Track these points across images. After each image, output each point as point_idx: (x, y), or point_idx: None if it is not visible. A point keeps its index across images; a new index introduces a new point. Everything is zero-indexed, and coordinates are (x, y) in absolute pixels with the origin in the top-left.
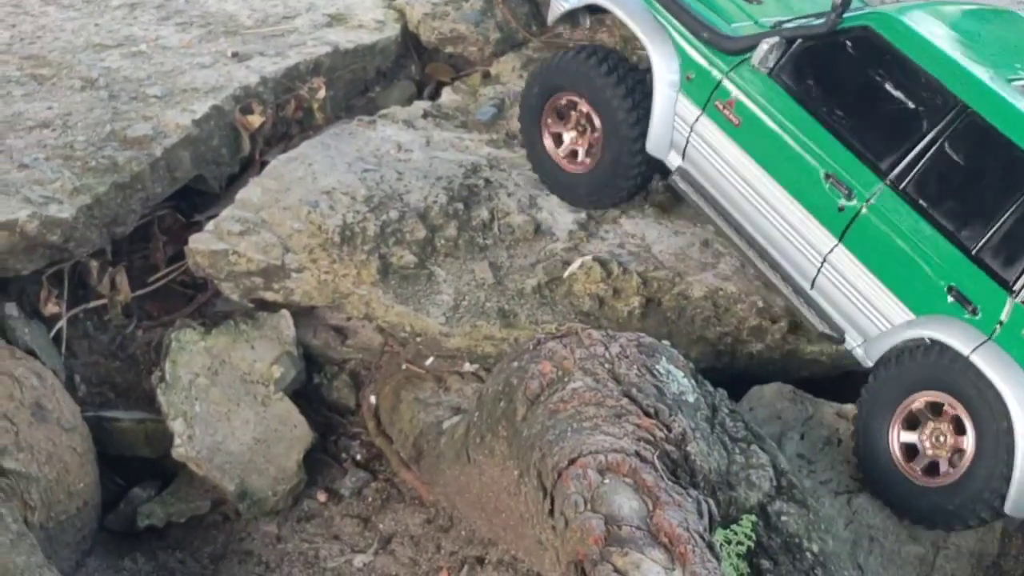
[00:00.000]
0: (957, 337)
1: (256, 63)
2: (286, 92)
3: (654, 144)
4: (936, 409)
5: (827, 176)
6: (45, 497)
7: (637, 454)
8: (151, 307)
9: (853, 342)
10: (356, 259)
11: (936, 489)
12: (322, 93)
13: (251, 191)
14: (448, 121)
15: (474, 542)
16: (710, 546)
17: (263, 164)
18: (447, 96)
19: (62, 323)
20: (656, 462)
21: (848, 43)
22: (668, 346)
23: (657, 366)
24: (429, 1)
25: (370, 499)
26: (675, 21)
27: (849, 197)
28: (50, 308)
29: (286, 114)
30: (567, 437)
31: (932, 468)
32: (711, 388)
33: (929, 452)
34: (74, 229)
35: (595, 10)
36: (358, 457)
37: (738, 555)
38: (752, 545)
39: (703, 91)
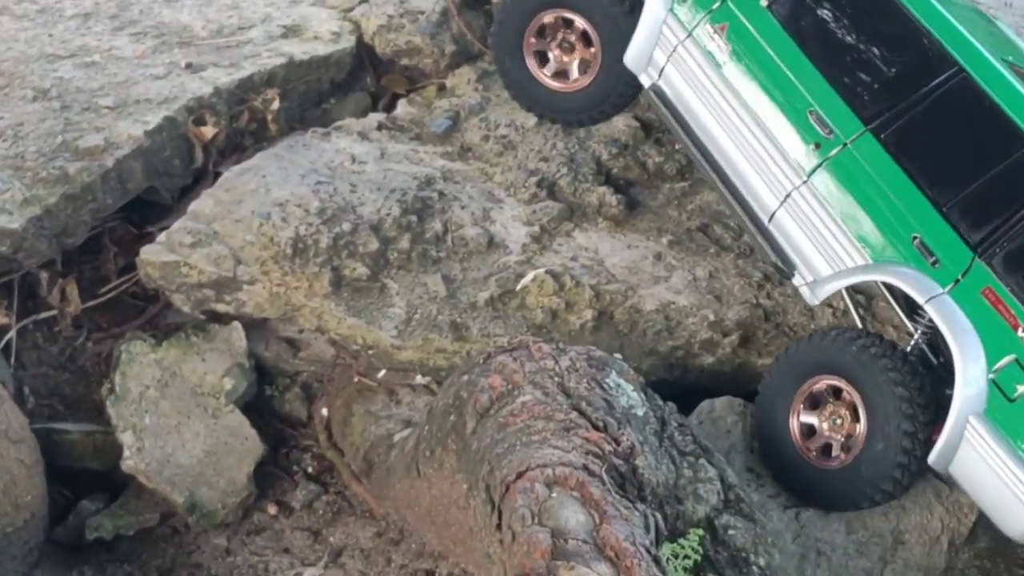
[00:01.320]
0: (913, 285)
1: (210, 74)
2: (240, 103)
3: (632, 58)
4: (837, 394)
5: (810, 113)
6: None
7: (585, 468)
8: (101, 318)
9: (802, 279)
10: (308, 271)
11: (833, 470)
12: (276, 104)
13: (203, 203)
14: (403, 133)
15: (424, 555)
16: (656, 560)
17: (216, 176)
18: (402, 108)
19: (11, 334)
20: (604, 476)
21: None
22: (618, 360)
23: (607, 380)
24: (384, 13)
25: (321, 512)
26: None
27: (828, 135)
28: None
29: (240, 125)
30: (516, 451)
31: (826, 450)
32: (660, 402)
33: (826, 434)
34: (23, 240)
35: None
36: (309, 470)
37: (685, 569)
38: (699, 559)
39: (696, 12)
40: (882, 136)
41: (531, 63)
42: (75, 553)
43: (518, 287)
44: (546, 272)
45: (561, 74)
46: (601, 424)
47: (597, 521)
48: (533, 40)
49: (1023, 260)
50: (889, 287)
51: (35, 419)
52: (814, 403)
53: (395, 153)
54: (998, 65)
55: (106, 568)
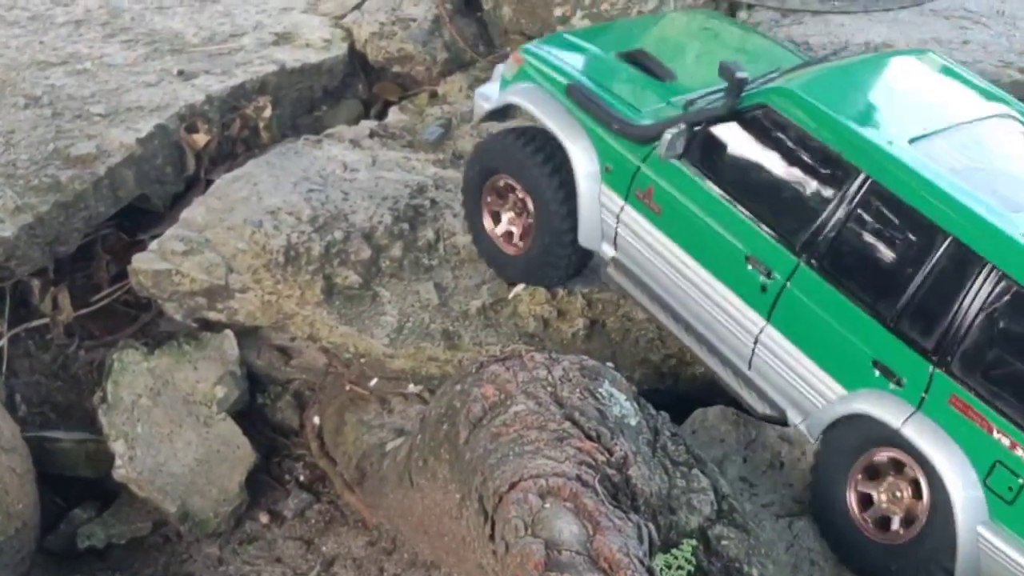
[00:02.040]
0: (887, 410)
1: (202, 81)
2: (232, 111)
3: (585, 236)
4: (899, 467)
5: (747, 258)
6: None
7: (578, 478)
8: (93, 327)
9: (794, 419)
10: (300, 279)
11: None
12: (268, 112)
13: (195, 210)
14: (394, 141)
15: (417, 565)
16: (650, 571)
17: (208, 183)
18: (394, 116)
19: (3, 342)
20: (597, 486)
21: (750, 122)
22: (611, 369)
23: (600, 389)
24: (376, 21)
25: (313, 521)
26: (587, 115)
27: (769, 276)
28: None
29: (232, 133)
30: (509, 461)
31: (884, 523)
32: (653, 411)
33: (884, 506)
34: (15, 248)
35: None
36: (301, 479)
37: None
38: (692, 570)
39: (622, 181)
40: (814, 264)
41: (487, 222)
42: (67, 562)
43: (510, 295)
44: None
45: (508, 235)
46: (594, 434)
47: (591, 532)
48: (490, 199)
49: (978, 358)
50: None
51: (27, 427)
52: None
53: (387, 161)
54: (901, 158)
55: None
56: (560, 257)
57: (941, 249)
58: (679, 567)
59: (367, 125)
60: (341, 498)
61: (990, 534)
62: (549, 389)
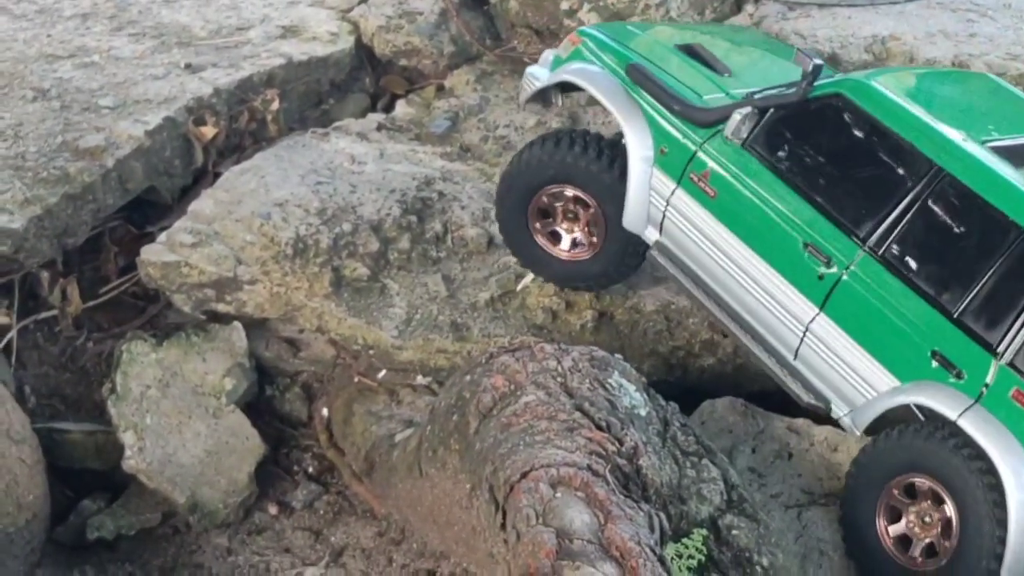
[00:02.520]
0: (944, 402)
1: (209, 74)
2: (239, 104)
3: (630, 219)
4: (911, 492)
5: (806, 245)
6: None
7: (589, 468)
8: (102, 318)
9: (839, 411)
10: (309, 271)
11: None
12: (276, 105)
13: (204, 203)
14: (402, 134)
15: (426, 555)
16: (661, 560)
17: (216, 176)
18: (401, 109)
19: (12, 334)
20: (608, 476)
21: (821, 111)
22: (620, 360)
23: (609, 380)
24: (383, 14)
25: (322, 512)
26: (647, 96)
27: (828, 265)
28: (0, 319)
29: (239, 126)
30: (519, 451)
31: (931, 551)
32: (663, 402)
33: (921, 537)
34: (24, 240)
35: (567, 88)
36: (310, 470)
37: (689, 569)
38: (703, 559)
39: (677, 164)
40: (879, 254)
41: (543, 241)
42: (76, 553)
43: (518, 287)
44: None
45: (575, 244)
46: (604, 424)
47: (602, 521)
48: (538, 225)
49: None
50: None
51: (36, 419)
52: (896, 512)
53: (394, 153)
54: (976, 153)
55: (107, 568)
56: (634, 255)
57: (1014, 244)
58: (690, 556)
59: (374, 118)
60: (350, 489)
61: None
62: (559, 380)
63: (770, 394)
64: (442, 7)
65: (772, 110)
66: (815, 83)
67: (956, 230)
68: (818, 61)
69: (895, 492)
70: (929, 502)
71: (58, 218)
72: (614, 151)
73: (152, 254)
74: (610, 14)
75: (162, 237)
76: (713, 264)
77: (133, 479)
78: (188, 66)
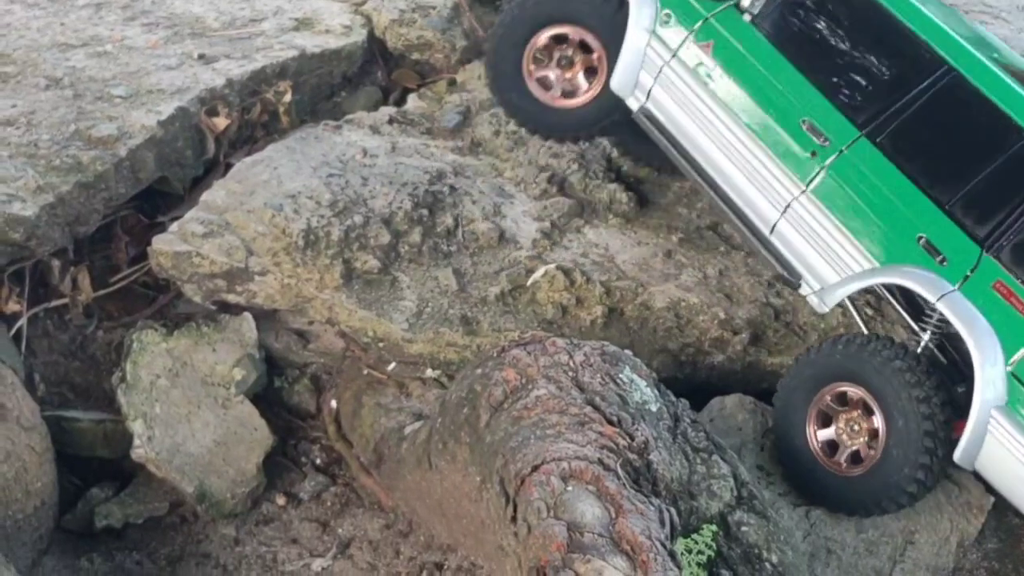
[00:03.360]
0: (923, 285)
1: (222, 65)
2: (252, 95)
3: (618, 82)
4: (842, 401)
5: (803, 122)
6: (2, 496)
7: (600, 462)
8: (112, 307)
9: (809, 288)
10: (320, 263)
11: (862, 476)
12: (288, 97)
13: (215, 193)
14: (413, 127)
15: (433, 548)
16: (671, 555)
17: (228, 167)
18: (413, 102)
19: (22, 322)
20: (619, 470)
21: None
22: (631, 355)
23: (620, 375)
24: (396, 8)
25: (329, 503)
26: None
27: (824, 143)
28: (10, 306)
29: (251, 117)
30: (530, 444)
31: (855, 458)
32: (673, 398)
33: (848, 444)
34: (36, 227)
35: None
36: (318, 461)
37: (698, 564)
38: (712, 555)
39: (680, 33)
40: (878, 140)
41: (536, 91)
42: (84, 541)
43: (529, 282)
44: (557, 268)
45: (570, 92)
46: (615, 419)
47: (613, 515)
48: (532, 68)
49: None
50: (892, 291)
51: (45, 407)
52: (826, 417)
53: (406, 147)
54: (987, 62)
55: (115, 556)
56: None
57: (1015, 147)
58: (699, 552)
59: (386, 111)
60: (357, 481)
61: (1005, 420)
62: (570, 374)
63: None
64: (455, 1)
65: None
66: None
67: (958, 127)
68: None
69: (828, 399)
70: (860, 412)
71: (70, 206)
72: None
73: (163, 244)
74: None
75: (173, 227)
76: (701, 135)
77: (141, 468)
78: (201, 57)
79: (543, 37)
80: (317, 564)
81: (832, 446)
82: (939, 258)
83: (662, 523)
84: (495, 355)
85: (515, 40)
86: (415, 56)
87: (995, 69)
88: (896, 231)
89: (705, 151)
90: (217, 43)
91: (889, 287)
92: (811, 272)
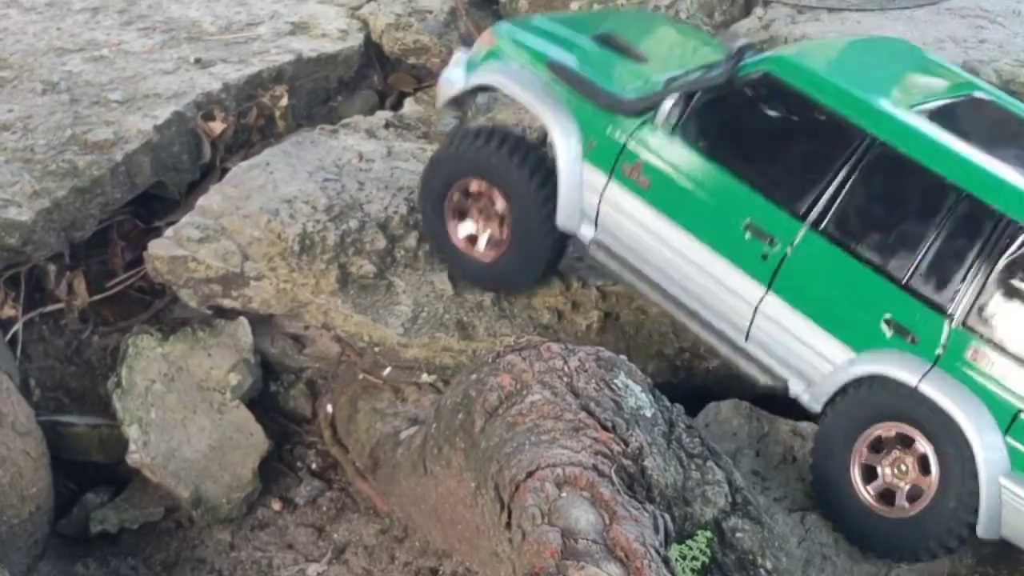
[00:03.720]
0: (902, 368)
1: (219, 70)
2: (248, 99)
3: (564, 218)
4: (906, 442)
5: (746, 226)
6: None
7: (594, 468)
8: (108, 312)
9: (797, 388)
10: (315, 268)
11: (896, 520)
12: (284, 101)
13: (211, 198)
14: (410, 132)
15: (428, 553)
16: (666, 561)
17: (224, 171)
18: (409, 107)
19: (18, 326)
20: (613, 476)
21: (749, 90)
22: (626, 361)
23: (615, 380)
24: (393, 12)
25: (325, 508)
26: (570, 89)
27: (772, 244)
28: (6, 311)
29: (248, 121)
30: (525, 450)
31: (887, 496)
32: (668, 403)
33: (902, 485)
34: (32, 232)
35: (486, 89)
36: (313, 466)
37: (693, 570)
38: (707, 561)
39: (607, 157)
40: (821, 228)
41: (453, 232)
42: (79, 546)
43: None
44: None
45: (472, 241)
46: (610, 425)
47: (607, 521)
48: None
49: (999, 313)
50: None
51: (41, 412)
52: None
53: (402, 151)
54: (907, 119)
55: (110, 561)
56: (542, 247)
57: (954, 206)
58: (694, 558)
59: (383, 116)
60: (353, 486)
61: (1014, 485)
62: (565, 379)
63: (775, 397)
64: (451, 6)
65: (700, 93)
66: (741, 62)
67: (895, 197)
68: (743, 41)
69: (864, 450)
70: (898, 449)
71: (66, 211)
72: (537, 156)
73: (159, 248)
74: None
75: (169, 232)
76: (655, 255)
77: (137, 473)
78: (198, 61)
79: (455, 192)
80: (312, 569)
81: (888, 495)
82: (908, 337)
83: (656, 529)
84: (490, 360)
85: (443, 178)
86: (411, 60)
87: (917, 127)
88: (862, 318)
89: (666, 272)
90: (213, 48)
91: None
92: (795, 372)
